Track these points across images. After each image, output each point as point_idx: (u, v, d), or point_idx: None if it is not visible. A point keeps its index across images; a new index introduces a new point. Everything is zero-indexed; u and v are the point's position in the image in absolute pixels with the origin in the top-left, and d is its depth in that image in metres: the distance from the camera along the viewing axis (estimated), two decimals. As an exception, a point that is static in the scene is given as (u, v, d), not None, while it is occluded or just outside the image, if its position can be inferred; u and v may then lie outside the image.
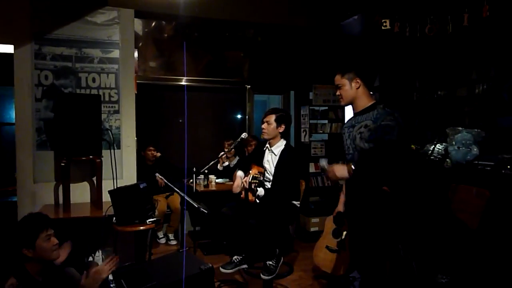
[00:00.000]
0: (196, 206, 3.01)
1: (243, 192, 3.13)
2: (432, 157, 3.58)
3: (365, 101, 2.44)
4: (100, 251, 3.28)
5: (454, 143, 3.57)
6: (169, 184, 3.34)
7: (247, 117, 5.50)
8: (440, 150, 3.62)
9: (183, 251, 2.38)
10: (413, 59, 4.69)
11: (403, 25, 3.80)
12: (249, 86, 5.42)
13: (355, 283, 3.38)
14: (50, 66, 3.74)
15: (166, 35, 4.96)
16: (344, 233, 3.08)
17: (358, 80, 2.42)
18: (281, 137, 3.25)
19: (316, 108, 5.26)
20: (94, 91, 3.86)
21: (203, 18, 4.66)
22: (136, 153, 4.12)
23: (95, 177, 3.71)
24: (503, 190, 2.94)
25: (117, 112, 3.97)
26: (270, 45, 5.33)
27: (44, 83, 3.73)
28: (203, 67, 5.16)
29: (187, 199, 3.06)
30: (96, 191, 3.70)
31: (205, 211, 2.95)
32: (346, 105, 2.53)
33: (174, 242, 4.86)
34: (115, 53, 3.94)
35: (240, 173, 3.29)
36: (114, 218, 3.17)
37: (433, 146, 3.60)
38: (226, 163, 5.08)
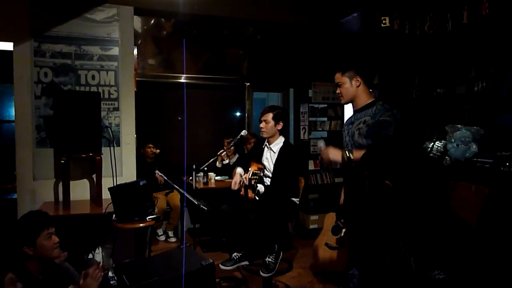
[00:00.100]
0: (196, 203, 3.01)
1: (242, 189, 3.13)
2: (431, 155, 3.59)
3: (365, 99, 2.44)
4: (100, 248, 3.29)
5: (453, 140, 3.57)
6: (168, 181, 3.35)
7: (246, 114, 5.50)
8: (439, 148, 3.63)
9: (183, 247, 2.38)
10: (412, 57, 4.69)
11: (403, 22, 3.80)
12: (248, 84, 5.41)
13: (354, 280, 3.39)
14: (49, 64, 3.74)
15: (165, 32, 4.95)
16: (343, 230, 3.10)
17: (359, 78, 2.43)
18: (280, 134, 3.25)
19: (316, 105, 5.26)
20: (93, 89, 3.86)
21: (202, 16, 4.66)
22: (135, 150, 4.13)
23: (94, 175, 3.72)
24: (502, 187, 2.96)
25: (116, 109, 3.97)
26: (269, 42, 5.32)
27: (43, 80, 3.73)
28: (202, 65, 5.15)
29: (187, 196, 3.06)
30: (96, 188, 3.71)
31: (205, 208, 2.95)
32: (346, 103, 2.54)
33: (173, 240, 4.87)
34: (115, 51, 3.94)
35: (239, 170, 3.28)
36: (113, 215, 3.18)
37: (432, 143, 3.61)
38: (226, 161, 5.09)
